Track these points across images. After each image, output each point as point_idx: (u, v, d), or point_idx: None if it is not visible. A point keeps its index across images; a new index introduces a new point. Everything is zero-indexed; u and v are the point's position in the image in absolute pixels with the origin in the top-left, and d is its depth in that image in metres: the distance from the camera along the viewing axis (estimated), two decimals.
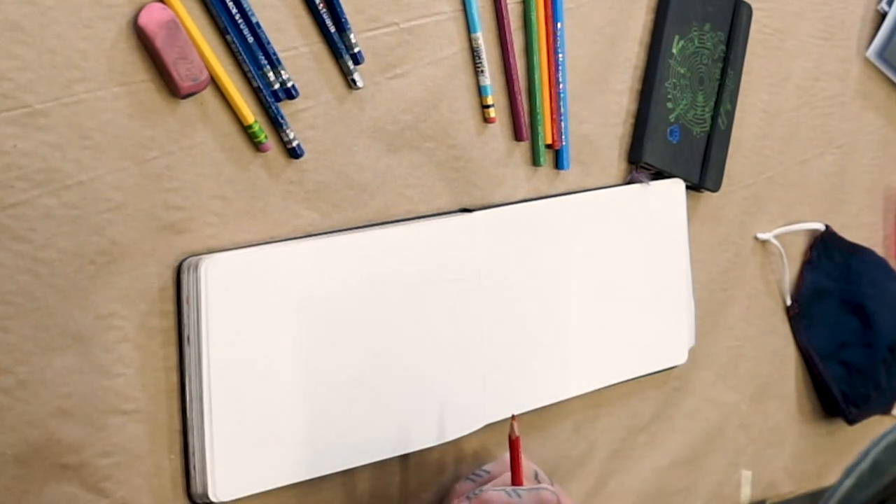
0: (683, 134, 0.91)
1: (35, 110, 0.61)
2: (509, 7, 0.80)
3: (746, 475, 1.03)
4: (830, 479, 1.11)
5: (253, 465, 0.68)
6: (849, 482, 0.52)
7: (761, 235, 1.01)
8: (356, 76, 0.73)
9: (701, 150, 0.92)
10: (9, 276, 0.62)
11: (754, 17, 0.95)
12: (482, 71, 0.79)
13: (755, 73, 0.97)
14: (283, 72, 0.70)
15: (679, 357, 0.94)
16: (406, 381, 0.76)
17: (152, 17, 0.64)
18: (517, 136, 0.82)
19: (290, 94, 0.70)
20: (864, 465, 0.52)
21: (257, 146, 0.70)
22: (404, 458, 0.77)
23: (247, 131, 0.69)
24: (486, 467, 0.77)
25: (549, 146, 0.84)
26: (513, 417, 0.74)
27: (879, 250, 1.11)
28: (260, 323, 0.69)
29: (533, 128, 0.83)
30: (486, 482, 0.75)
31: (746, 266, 1.01)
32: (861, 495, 0.52)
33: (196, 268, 0.67)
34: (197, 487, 0.68)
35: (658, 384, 0.94)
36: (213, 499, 0.67)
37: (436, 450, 0.79)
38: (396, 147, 0.76)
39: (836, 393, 1.05)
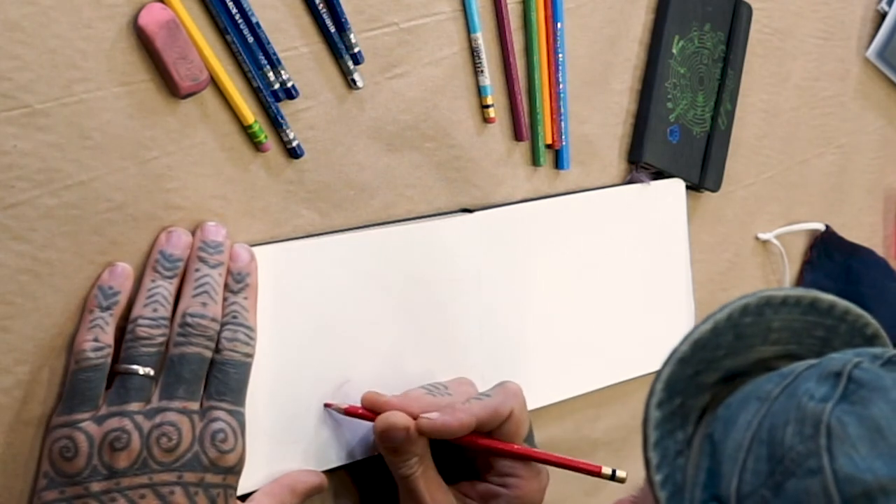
0: (683, 134, 0.91)
1: (35, 110, 0.61)
2: (509, 7, 0.80)
3: None
4: None
5: (253, 462, 0.67)
6: (705, 327, 0.55)
7: (762, 235, 1.01)
8: (356, 76, 0.73)
9: (701, 150, 0.92)
10: (9, 276, 0.62)
11: (754, 17, 0.95)
12: (482, 71, 0.79)
13: (755, 73, 0.97)
14: (283, 72, 0.70)
15: None
16: (405, 381, 0.76)
17: (152, 17, 0.64)
18: (517, 136, 0.82)
19: (290, 94, 0.70)
20: (721, 315, 0.55)
21: (257, 146, 0.70)
22: None
23: (247, 131, 0.69)
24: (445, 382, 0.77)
25: (549, 146, 0.84)
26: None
27: (879, 250, 1.11)
28: (259, 322, 0.69)
29: (533, 128, 0.83)
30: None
31: (746, 266, 1.01)
32: (714, 341, 0.55)
33: None
34: None
35: None
36: None
37: None
38: (396, 147, 0.76)
39: None
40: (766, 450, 0.51)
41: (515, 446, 0.74)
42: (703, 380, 0.56)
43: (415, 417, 0.71)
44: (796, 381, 0.53)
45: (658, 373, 0.54)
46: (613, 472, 0.72)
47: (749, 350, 0.56)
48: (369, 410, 0.72)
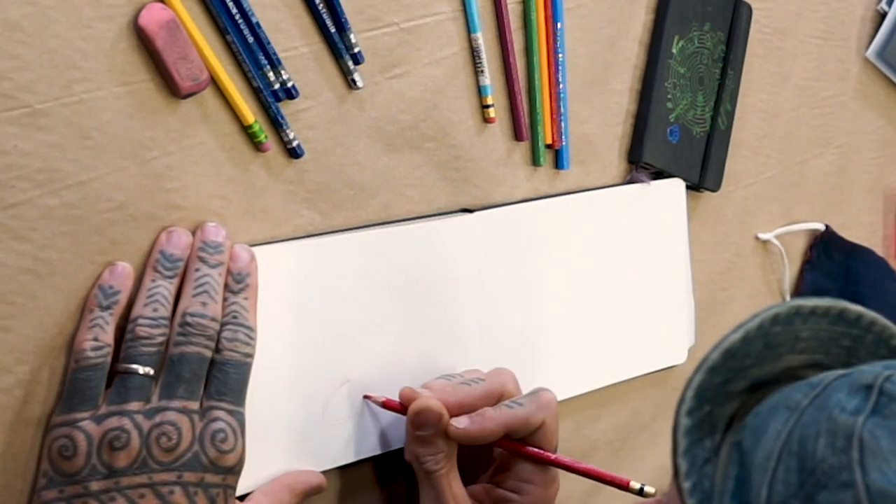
0: (683, 134, 0.91)
1: (35, 110, 0.61)
2: (509, 7, 0.80)
3: None
4: None
5: (252, 461, 0.67)
6: (736, 336, 0.55)
7: (762, 235, 1.01)
8: (356, 76, 0.73)
9: (701, 150, 0.93)
10: (10, 276, 0.62)
11: (754, 17, 0.95)
12: (482, 71, 0.79)
13: (755, 73, 0.97)
14: (283, 72, 0.70)
15: (679, 356, 0.94)
16: (404, 382, 0.76)
17: (152, 17, 0.64)
18: (517, 136, 0.82)
19: (290, 94, 0.70)
20: (752, 324, 0.56)
21: (257, 146, 0.70)
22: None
23: (247, 131, 0.69)
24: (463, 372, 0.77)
25: (549, 146, 0.84)
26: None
27: (879, 250, 1.11)
28: (259, 322, 0.69)
29: (533, 128, 0.83)
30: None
31: (746, 266, 1.01)
32: (744, 349, 0.55)
33: None
34: None
35: (658, 383, 0.94)
36: None
37: None
38: (396, 147, 0.76)
39: None
40: (797, 461, 0.51)
41: (544, 453, 0.74)
42: (731, 388, 0.56)
43: (450, 411, 0.71)
44: (826, 392, 0.53)
45: (688, 381, 0.55)
46: (642, 487, 0.72)
47: (777, 359, 0.57)
48: (405, 405, 0.72)
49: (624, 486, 0.72)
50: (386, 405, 0.74)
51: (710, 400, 0.55)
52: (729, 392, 0.56)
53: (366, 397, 0.74)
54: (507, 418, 0.72)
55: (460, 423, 0.71)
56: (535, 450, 0.74)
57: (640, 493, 0.72)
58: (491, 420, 0.72)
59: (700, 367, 0.55)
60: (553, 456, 0.74)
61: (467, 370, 0.78)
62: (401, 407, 0.73)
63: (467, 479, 0.75)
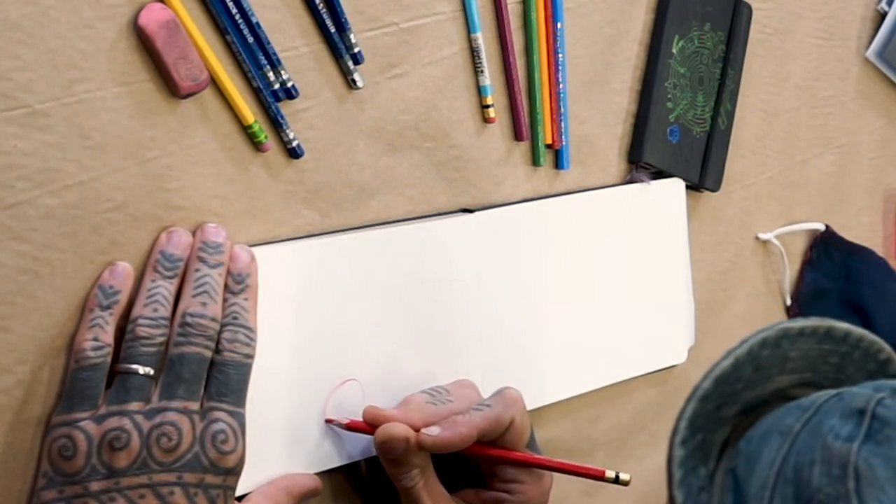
0: (683, 134, 0.91)
1: (35, 110, 0.61)
2: (509, 7, 0.80)
3: None
4: None
5: (252, 462, 0.68)
6: (726, 363, 0.56)
7: (762, 235, 1.01)
8: (356, 76, 0.73)
9: (701, 149, 0.93)
10: (9, 276, 0.62)
11: (754, 17, 0.95)
12: (482, 71, 0.79)
13: (755, 73, 0.97)
14: (283, 72, 0.70)
15: (679, 356, 0.94)
16: (405, 381, 0.76)
17: (152, 17, 0.64)
18: (517, 136, 0.82)
19: (290, 94, 0.70)
20: (741, 350, 0.56)
21: (257, 146, 0.70)
22: None
23: (247, 131, 0.69)
24: (446, 386, 0.77)
25: (549, 146, 0.84)
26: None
27: (879, 250, 1.11)
28: (259, 323, 0.69)
29: (533, 128, 0.83)
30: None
31: (746, 266, 1.01)
32: (734, 375, 0.55)
33: None
34: None
35: (658, 383, 0.94)
36: None
37: None
38: (396, 147, 0.76)
39: None
40: (793, 490, 0.51)
41: (517, 454, 0.73)
42: (722, 413, 0.56)
43: (416, 429, 0.70)
44: (818, 416, 0.53)
45: (681, 411, 0.54)
46: (617, 475, 0.71)
47: (767, 381, 0.57)
48: (370, 425, 0.71)
49: (599, 477, 0.72)
50: (351, 427, 0.72)
51: (703, 427, 0.55)
52: (720, 418, 0.56)
53: (328, 421, 0.73)
54: (479, 420, 0.71)
55: (432, 431, 0.70)
56: (506, 452, 0.73)
57: (616, 480, 0.72)
58: (463, 424, 0.71)
59: (692, 397, 0.55)
60: (523, 455, 0.73)
61: (454, 382, 0.77)
62: (367, 426, 0.72)
63: (454, 486, 0.74)
